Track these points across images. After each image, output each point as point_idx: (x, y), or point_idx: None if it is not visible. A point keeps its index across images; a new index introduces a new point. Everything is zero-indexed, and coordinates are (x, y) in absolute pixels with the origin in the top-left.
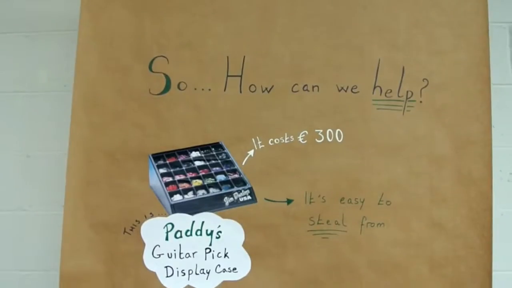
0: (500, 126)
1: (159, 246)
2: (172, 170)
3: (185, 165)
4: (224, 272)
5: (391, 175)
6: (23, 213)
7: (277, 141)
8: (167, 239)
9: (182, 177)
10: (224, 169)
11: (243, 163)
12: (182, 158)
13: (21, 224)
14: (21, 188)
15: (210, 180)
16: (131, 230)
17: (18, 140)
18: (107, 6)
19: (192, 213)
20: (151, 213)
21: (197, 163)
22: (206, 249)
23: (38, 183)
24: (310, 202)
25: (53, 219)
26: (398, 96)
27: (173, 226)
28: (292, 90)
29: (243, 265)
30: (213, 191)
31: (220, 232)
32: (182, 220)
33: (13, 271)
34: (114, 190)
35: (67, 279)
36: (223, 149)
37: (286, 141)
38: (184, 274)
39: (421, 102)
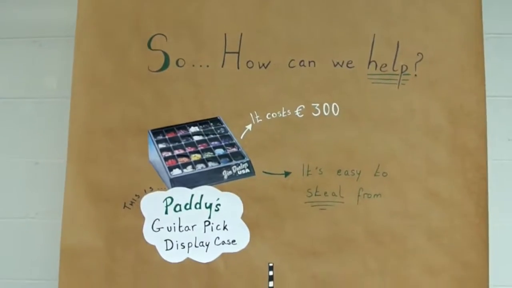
0: None
1: (159, 219)
2: (171, 145)
3: (184, 140)
4: (223, 244)
5: (387, 147)
6: (29, 221)
7: (274, 115)
8: (166, 212)
9: (181, 151)
10: (223, 143)
11: (241, 137)
12: (181, 133)
13: (27, 232)
14: (28, 196)
15: (208, 154)
16: (131, 204)
17: (25, 147)
18: None
19: (191, 187)
20: (150, 188)
21: (196, 137)
22: (205, 222)
23: (45, 190)
24: (307, 174)
25: (59, 228)
26: (393, 70)
27: (172, 200)
28: (289, 66)
29: (242, 237)
30: (211, 165)
31: (219, 205)
32: (181, 194)
33: (18, 280)
34: (114, 166)
35: (68, 253)
36: (222, 123)
37: (283, 115)
38: (184, 247)
39: (415, 75)
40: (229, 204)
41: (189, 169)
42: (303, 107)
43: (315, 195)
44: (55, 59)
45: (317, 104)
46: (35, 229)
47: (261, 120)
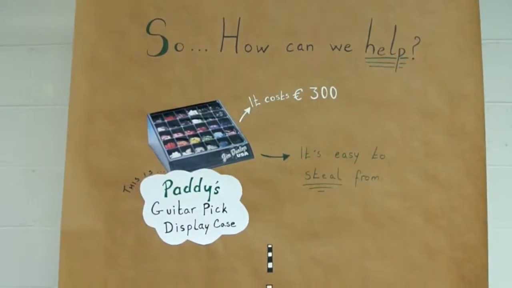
0: None
1: (158, 202)
2: (170, 129)
3: (183, 124)
4: (222, 226)
5: (384, 130)
6: (28, 229)
7: (272, 98)
8: (166, 195)
9: (180, 135)
10: (221, 127)
11: (240, 120)
12: (180, 116)
13: (25, 239)
14: (25, 203)
15: (207, 138)
16: (131, 187)
17: (22, 154)
18: None
19: (190, 170)
20: (150, 171)
21: (195, 121)
22: (204, 204)
23: (42, 198)
24: (305, 157)
25: (57, 234)
26: (391, 54)
27: (172, 183)
28: (287, 50)
29: (241, 219)
30: (210, 148)
31: (218, 187)
32: (180, 177)
33: None
34: (114, 149)
35: (68, 236)
36: (220, 107)
37: (281, 99)
38: (183, 229)
39: (413, 59)
40: (228, 187)
41: (188, 153)
42: (301, 90)
43: (314, 177)
44: (52, 66)
45: (315, 88)
46: (34, 236)
47: (259, 103)
